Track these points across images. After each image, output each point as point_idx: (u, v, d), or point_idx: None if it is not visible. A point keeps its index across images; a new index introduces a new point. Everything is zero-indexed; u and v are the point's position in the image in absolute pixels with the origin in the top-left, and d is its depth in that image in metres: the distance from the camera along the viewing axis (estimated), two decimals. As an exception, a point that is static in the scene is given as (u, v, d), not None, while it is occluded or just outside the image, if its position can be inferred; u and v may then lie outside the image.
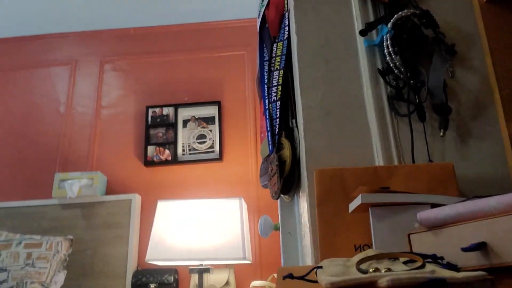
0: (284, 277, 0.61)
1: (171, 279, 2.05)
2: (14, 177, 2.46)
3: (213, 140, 2.41)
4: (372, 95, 1.00)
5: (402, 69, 0.96)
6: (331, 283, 0.50)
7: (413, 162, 0.94)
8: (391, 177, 0.87)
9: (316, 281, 0.60)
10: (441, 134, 0.93)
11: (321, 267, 0.61)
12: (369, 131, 0.98)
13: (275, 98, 1.13)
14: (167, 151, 2.41)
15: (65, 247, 1.91)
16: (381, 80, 1.00)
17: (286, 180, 1.05)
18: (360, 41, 1.05)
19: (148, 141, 2.44)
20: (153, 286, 2.03)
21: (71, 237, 1.98)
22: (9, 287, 1.64)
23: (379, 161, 0.95)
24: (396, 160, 0.95)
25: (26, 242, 1.85)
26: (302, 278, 0.61)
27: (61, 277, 1.86)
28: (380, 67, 1.01)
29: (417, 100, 0.95)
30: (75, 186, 2.18)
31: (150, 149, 2.42)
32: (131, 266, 2.10)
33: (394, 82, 0.99)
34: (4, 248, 1.80)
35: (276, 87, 1.13)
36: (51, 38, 2.79)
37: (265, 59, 1.25)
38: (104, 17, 2.68)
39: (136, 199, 2.24)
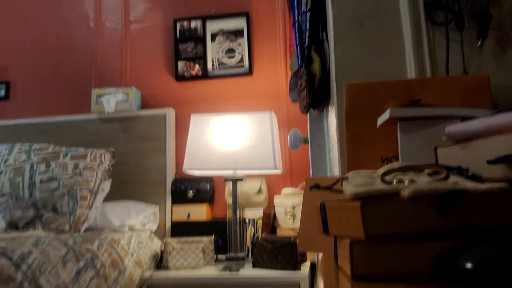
0: (311, 187, 0.65)
1: (207, 186, 2.19)
2: (54, 94, 2.57)
3: (242, 55, 2.38)
4: (408, 2, 0.94)
5: (442, -27, 0.89)
6: (355, 193, 0.53)
7: (447, 74, 0.91)
8: (423, 90, 0.85)
9: (341, 191, 0.63)
10: (479, 43, 0.89)
11: (347, 178, 0.64)
12: (403, 42, 0.94)
13: (305, 8, 1.08)
14: (197, 66, 2.41)
15: (108, 158, 2.05)
16: (419, -14, 0.94)
17: (316, 94, 1.05)
18: None
19: (178, 56, 2.44)
20: (191, 192, 2.18)
21: (112, 149, 2.11)
22: (61, 194, 1.81)
23: (411, 74, 0.93)
24: (429, 72, 0.93)
25: (72, 153, 1.99)
26: (328, 188, 0.64)
27: (107, 185, 2.03)
28: (417, -29, 0.94)
29: (456, 7, 0.89)
30: (111, 101, 2.26)
31: (181, 64, 2.43)
32: (170, 175, 2.25)
33: (432, -12, 0.92)
34: (52, 159, 1.95)
35: (306, -3, 1.08)
36: None
37: (295, -34, 1.18)
38: None
39: (171, 113, 2.32)
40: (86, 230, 1.84)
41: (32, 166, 1.92)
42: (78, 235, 1.53)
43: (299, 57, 1.11)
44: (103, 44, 2.58)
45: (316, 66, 1.04)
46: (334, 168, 1.06)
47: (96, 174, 1.94)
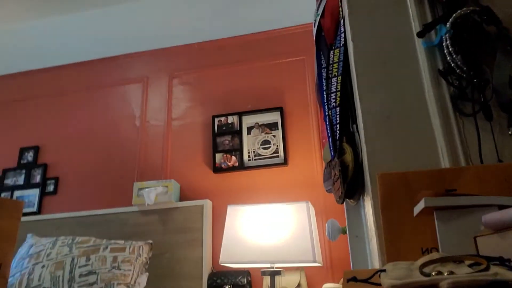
0: (348, 280, 0.64)
1: (244, 281, 2.13)
2: (98, 188, 2.71)
3: (277, 145, 2.47)
4: (434, 96, 0.98)
5: (465, 68, 0.93)
6: (392, 286, 0.52)
7: (481, 162, 0.91)
8: (458, 179, 0.85)
9: (379, 284, 0.62)
10: (510, 132, 0.90)
11: (384, 270, 0.63)
12: (432, 132, 0.96)
13: (334, 104, 1.15)
14: (233, 158, 2.51)
15: (146, 250, 2.07)
16: (443, 80, 0.98)
17: (350, 184, 1.07)
18: (418, 42, 1.04)
19: (215, 148, 2.56)
20: (227, 287, 2.12)
21: (151, 241, 2.14)
22: (100, 288, 1.82)
23: (445, 163, 0.94)
24: (463, 161, 0.93)
25: (112, 246, 2.03)
26: (365, 281, 0.63)
27: (143, 279, 2.02)
28: (440, 67, 1.00)
29: (482, 99, 0.93)
30: (152, 193, 2.35)
31: (218, 156, 2.54)
32: (206, 268, 2.21)
33: (457, 82, 0.97)
34: (93, 252, 1.99)
35: (335, 94, 1.15)
36: (124, 58, 3.04)
37: (323, 66, 1.28)
38: (170, 35, 2.86)
39: (208, 205, 2.37)
40: (121, 327, 1.80)
41: (73, 259, 1.96)
42: (113, 332, 1.50)
43: (331, 148, 1.15)
44: (146, 141, 2.75)
45: (349, 157, 1.07)
46: (374, 259, 1.03)
47: (134, 268, 1.95)
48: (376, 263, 0.99)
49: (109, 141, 2.82)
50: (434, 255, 0.63)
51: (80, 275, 1.87)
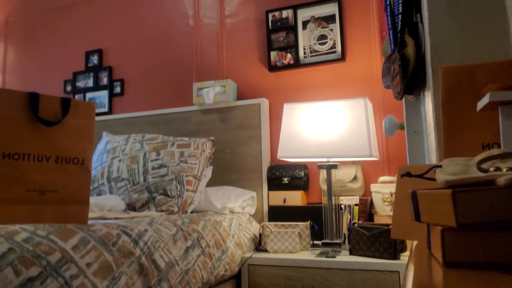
0: (402, 175, 0.65)
1: (302, 173, 2.24)
2: (161, 88, 2.83)
3: (334, 40, 2.36)
4: (515, -24, 0.87)
5: None
6: (447, 181, 0.53)
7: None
8: (531, 71, 0.79)
9: (434, 180, 0.63)
10: None
11: (440, 166, 0.63)
12: (506, 21, 0.87)
13: (397, -9, 1.05)
14: (289, 55, 2.45)
15: (209, 146, 2.20)
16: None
17: (410, 79, 1.02)
18: None
19: (270, 46, 2.50)
20: (285, 179, 2.25)
21: (213, 138, 2.26)
22: (170, 179, 2.01)
23: (517, 53, 0.86)
24: (539, 50, 0.85)
25: (178, 142, 2.18)
26: (420, 176, 0.64)
27: (209, 171, 2.19)
28: None
29: None
30: (210, 93, 2.42)
31: (273, 54, 2.50)
32: (266, 162, 2.34)
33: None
34: (161, 148, 2.16)
35: (398, -20, 1.05)
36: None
37: None
38: None
39: (264, 103, 2.41)
40: (191, 212, 2.02)
41: (145, 154, 2.15)
42: (185, 216, 1.69)
43: (392, 41, 1.09)
44: (201, 40, 2.75)
45: (410, 50, 1.01)
46: (432, 155, 1.02)
47: (199, 162, 2.10)
48: (433, 159, 0.99)
49: (166, 42, 2.85)
50: (493, 151, 0.61)
51: (153, 168, 2.07)
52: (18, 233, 0.93)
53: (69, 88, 3.12)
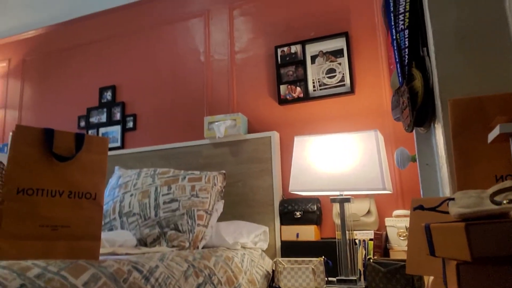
0: (415, 208, 0.64)
1: (314, 207, 2.21)
2: (172, 123, 2.87)
3: (343, 73, 2.39)
4: (519, 9, 0.88)
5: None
6: (460, 214, 0.52)
7: None
8: (542, 101, 0.79)
9: (447, 213, 0.62)
10: None
11: (453, 198, 0.63)
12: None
13: (402, 26, 1.07)
14: (298, 89, 2.49)
15: (220, 180, 2.20)
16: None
17: (419, 112, 1.03)
18: None
19: (279, 80, 2.55)
20: (298, 213, 2.22)
21: (224, 171, 2.26)
22: (181, 214, 2.00)
23: (526, 85, 0.86)
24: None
25: (189, 176, 2.19)
26: (433, 209, 0.63)
27: (220, 205, 2.18)
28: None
29: None
30: (221, 127, 2.45)
31: (283, 88, 2.53)
32: (277, 195, 2.33)
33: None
34: (173, 182, 2.17)
35: (403, 15, 1.07)
36: (185, -7, 3.02)
37: (391, -15, 1.18)
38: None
39: (275, 136, 2.42)
40: (203, 247, 2.00)
41: (156, 188, 2.15)
42: (196, 252, 1.67)
43: (400, 74, 1.10)
44: (212, 75, 2.81)
45: (418, 83, 1.02)
46: (445, 187, 1.01)
47: (210, 195, 2.10)
48: (446, 191, 0.98)
49: (177, 78, 2.92)
50: (506, 183, 0.61)
51: (164, 202, 2.07)
52: (30, 269, 0.93)
53: (82, 123, 3.18)
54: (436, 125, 1.05)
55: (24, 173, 1.15)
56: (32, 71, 3.54)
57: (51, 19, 3.54)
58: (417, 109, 1.02)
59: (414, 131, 1.30)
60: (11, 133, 1.47)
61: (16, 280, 0.86)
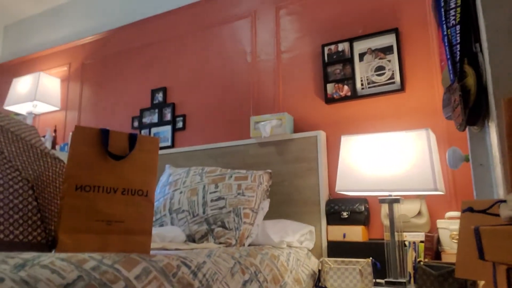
0: (464, 211, 0.62)
1: (362, 208, 2.17)
2: (219, 123, 2.93)
3: (393, 71, 2.33)
4: None
5: None
6: (510, 218, 0.50)
7: None
8: None
9: (498, 215, 0.59)
10: None
11: (505, 201, 0.60)
12: None
13: (453, 22, 1.03)
14: (345, 87, 2.45)
15: (266, 179, 2.22)
16: None
17: (472, 110, 0.98)
18: None
19: (326, 79, 2.52)
20: (345, 214, 2.19)
21: (270, 171, 2.28)
22: (228, 211, 2.04)
23: None
24: None
25: (236, 175, 2.23)
26: (483, 212, 0.61)
27: (266, 204, 2.20)
28: None
29: None
30: (267, 127, 2.47)
31: (329, 87, 2.51)
32: (324, 195, 2.31)
33: None
34: (220, 180, 2.22)
35: (454, 10, 1.03)
36: (232, -6, 3.08)
37: (441, -21, 1.13)
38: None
39: (321, 135, 2.40)
40: (249, 245, 2.03)
41: (204, 186, 2.21)
42: (242, 249, 1.70)
43: (451, 71, 1.06)
44: (258, 75, 2.84)
45: (471, 80, 0.98)
46: (499, 189, 0.96)
47: (256, 194, 2.12)
48: (501, 193, 0.93)
49: (225, 79, 2.98)
50: None
51: (211, 200, 2.12)
52: (87, 262, 0.99)
53: (136, 124, 3.33)
54: (490, 123, 1.00)
55: (82, 171, 1.23)
56: (90, 75, 3.75)
57: (107, 25, 3.74)
58: (469, 108, 0.98)
59: (467, 130, 1.24)
60: (71, 133, 1.57)
61: (73, 271, 0.93)
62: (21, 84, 3.73)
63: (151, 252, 1.35)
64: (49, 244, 1.29)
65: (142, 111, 3.30)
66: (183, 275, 1.22)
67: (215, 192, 2.16)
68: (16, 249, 1.19)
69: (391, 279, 1.87)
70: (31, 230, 1.26)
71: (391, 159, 1.89)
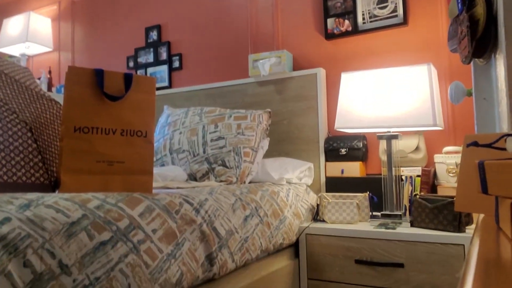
0: (468, 145, 0.62)
1: (360, 144, 2.19)
2: (217, 62, 2.86)
3: (396, 3, 2.22)
4: None
5: None
6: (518, 151, 0.49)
7: None
8: None
9: (503, 149, 0.59)
10: None
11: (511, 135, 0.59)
12: None
13: None
14: (346, 22, 2.36)
15: (265, 118, 2.21)
16: None
17: (479, 42, 0.94)
18: None
19: (326, 13, 2.42)
20: (343, 150, 2.21)
21: (269, 110, 2.26)
22: (228, 151, 2.05)
23: None
24: None
25: (235, 115, 2.21)
26: (489, 146, 0.60)
27: (265, 143, 2.21)
28: None
29: None
30: (266, 65, 2.41)
31: (330, 22, 2.41)
32: (323, 133, 2.31)
33: None
34: (219, 120, 2.21)
35: None
36: None
37: None
38: None
39: (321, 73, 2.35)
40: (249, 182, 2.07)
41: (203, 127, 2.20)
42: (243, 186, 1.73)
43: (459, 1, 1.00)
44: (256, 11, 2.72)
45: (480, 9, 0.93)
46: (503, 123, 0.95)
47: (256, 133, 2.12)
48: (504, 127, 0.92)
49: (222, 15, 2.86)
50: None
51: (212, 140, 2.12)
52: (90, 201, 1.01)
53: (131, 64, 3.25)
54: (497, 55, 0.96)
55: (79, 112, 1.21)
56: (81, 13, 3.59)
57: (94, -43, 3.51)
58: (477, 39, 0.94)
59: (472, 63, 1.21)
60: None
61: (78, 210, 0.94)
62: (12, 25, 3.59)
63: (154, 191, 1.37)
64: (52, 185, 1.30)
65: (137, 50, 3.20)
66: (185, 212, 1.25)
67: (215, 132, 2.15)
68: (20, 190, 1.20)
69: (387, 212, 1.93)
70: (34, 171, 1.26)
71: (391, 95, 1.87)
